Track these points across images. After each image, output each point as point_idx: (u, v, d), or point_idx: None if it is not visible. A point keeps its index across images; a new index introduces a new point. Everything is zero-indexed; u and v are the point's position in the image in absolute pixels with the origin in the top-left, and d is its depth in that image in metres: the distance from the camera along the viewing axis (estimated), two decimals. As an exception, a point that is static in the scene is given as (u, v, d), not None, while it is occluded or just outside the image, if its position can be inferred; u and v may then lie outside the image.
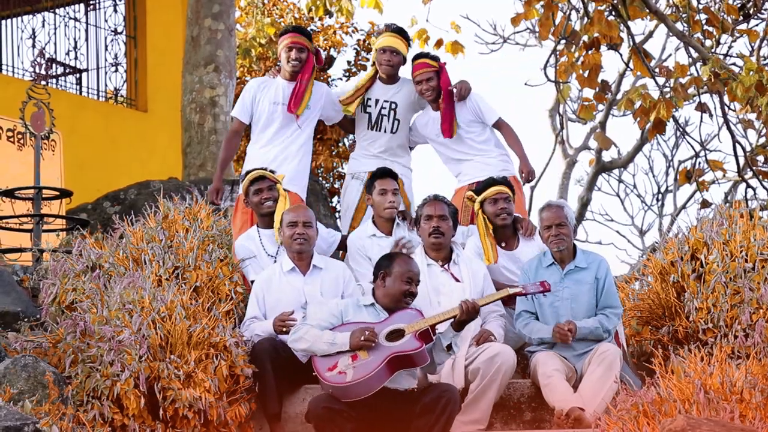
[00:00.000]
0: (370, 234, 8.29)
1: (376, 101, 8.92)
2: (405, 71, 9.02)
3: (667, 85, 11.76)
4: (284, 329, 7.38)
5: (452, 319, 7.11)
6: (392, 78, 8.97)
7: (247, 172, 8.30)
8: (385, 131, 8.94)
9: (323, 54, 19.73)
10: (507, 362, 7.30)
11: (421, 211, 7.81)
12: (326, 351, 6.90)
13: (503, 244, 8.21)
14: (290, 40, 8.72)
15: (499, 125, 8.88)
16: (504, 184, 8.20)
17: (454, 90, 8.79)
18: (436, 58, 8.86)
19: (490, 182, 8.23)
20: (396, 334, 6.94)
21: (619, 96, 19.93)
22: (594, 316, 7.55)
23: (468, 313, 7.10)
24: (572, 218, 7.77)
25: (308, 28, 19.64)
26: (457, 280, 7.67)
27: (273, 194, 8.19)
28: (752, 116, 12.01)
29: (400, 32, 8.92)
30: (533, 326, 7.61)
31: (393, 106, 8.92)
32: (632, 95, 11.32)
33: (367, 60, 19.11)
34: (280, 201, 8.16)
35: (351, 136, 18.86)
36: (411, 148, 9.17)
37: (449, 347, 7.06)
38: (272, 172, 8.30)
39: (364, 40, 19.81)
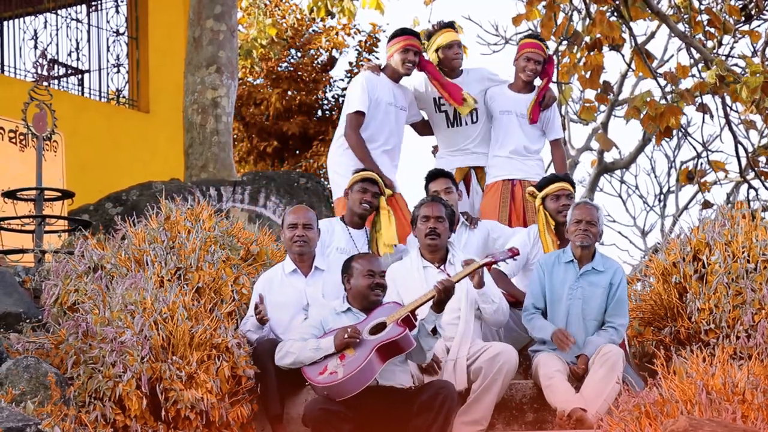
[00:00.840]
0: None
1: None
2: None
3: (671, 88, 11.74)
4: (260, 315, 7.35)
5: (431, 301, 7.10)
6: (456, 71, 8.96)
7: (363, 169, 8.29)
8: (466, 124, 8.94)
9: (325, 55, 19.76)
10: (509, 362, 7.30)
11: (417, 212, 7.79)
12: (313, 357, 6.94)
13: (560, 242, 8.18)
14: (406, 42, 8.70)
15: (556, 145, 8.96)
16: (567, 181, 8.21)
17: (546, 96, 8.83)
18: (547, 47, 8.98)
19: (552, 179, 8.25)
20: (379, 327, 6.98)
21: (621, 97, 19.94)
22: (603, 330, 7.54)
23: (445, 291, 7.08)
24: (602, 222, 7.78)
25: (309, 30, 19.66)
26: (453, 281, 7.65)
27: (374, 201, 8.21)
28: (755, 117, 12.01)
29: (453, 26, 8.94)
30: (536, 323, 7.60)
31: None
32: (638, 103, 11.32)
33: (369, 60, 19.10)
34: (383, 215, 8.16)
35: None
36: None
37: (434, 330, 7.04)
38: (385, 184, 8.30)
39: (366, 41, 19.83)
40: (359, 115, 8.64)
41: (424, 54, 8.85)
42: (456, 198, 8.31)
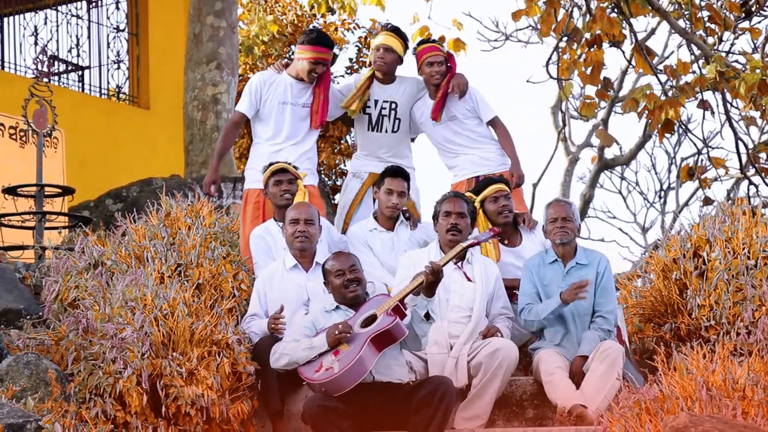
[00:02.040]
0: (371, 228, 8.31)
1: (375, 102, 8.89)
2: (402, 70, 9.00)
3: (671, 84, 11.74)
4: (276, 328, 7.39)
5: (420, 287, 7.11)
6: (389, 77, 8.93)
7: (270, 164, 8.30)
8: (386, 131, 8.92)
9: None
10: (509, 357, 7.31)
11: (439, 207, 7.79)
12: (308, 357, 6.96)
13: (506, 242, 8.23)
14: (317, 56, 8.64)
15: (494, 123, 8.85)
16: (502, 182, 8.23)
17: (453, 85, 8.77)
18: (442, 45, 8.93)
19: (488, 181, 8.27)
20: (370, 320, 7.02)
21: (621, 93, 19.94)
22: (593, 322, 7.54)
23: (433, 274, 7.08)
24: (578, 217, 7.80)
25: (311, 26, 19.66)
26: (469, 280, 7.65)
27: (292, 188, 8.21)
28: (755, 113, 12.01)
29: (396, 31, 8.89)
30: (537, 307, 7.60)
31: (393, 105, 8.90)
32: (637, 95, 11.32)
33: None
34: (299, 195, 8.17)
35: (354, 134, 18.89)
36: (413, 139, 9.16)
37: (427, 316, 7.05)
38: (296, 167, 8.31)
39: (366, 37, 19.82)
40: (239, 115, 8.77)
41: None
42: (405, 202, 8.32)
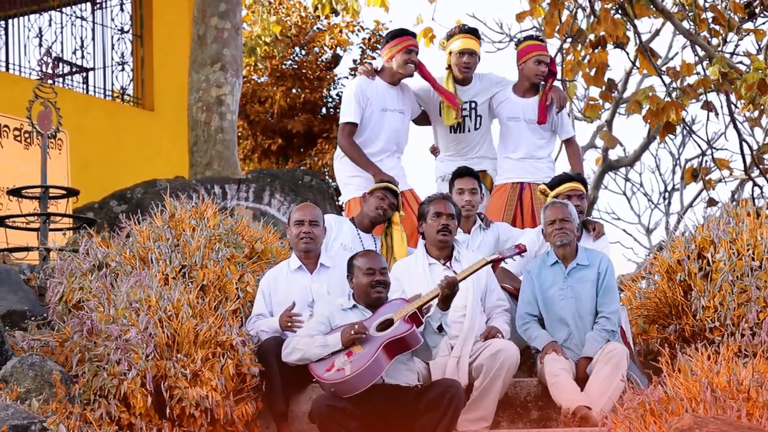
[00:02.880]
0: None
1: None
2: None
3: (674, 85, 11.73)
4: (290, 325, 7.39)
5: (436, 299, 7.11)
6: (468, 79, 8.92)
7: (386, 180, 8.25)
8: (469, 131, 8.91)
9: (329, 53, 19.77)
10: (510, 358, 7.31)
11: (428, 208, 7.78)
12: (320, 354, 6.94)
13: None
14: (408, 43, 8.65)
15: (570, 143, 8.92)
16: (579, 181, 8.20)
17: (553, 97, 8.77)
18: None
19: (565, 178, 8.23)
20: (386, 324, 6.99)
21: (625, 95, 19.94)
22: (596, 323, 7.54)
23: (449, 288, 7.08)
24: (576, 218, 7.78)
25: (314, 27, 19.67)
26: (459, 279, 7.66)
27: (389, 211, 8.19)
28: (755, 114, 12.00)
29: (474, 33, 8.86)
30: (531, 333, 7.64)
31: (473, 105, 8.89)
32: (640, 97, 11.31)
33: (373, 58, 19.10)
34: (396, 231, 8.16)
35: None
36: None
37: (440, 328, 7.05)
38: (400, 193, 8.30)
39: (370, 39, 19.82)
40: (351, 125, 8.65)
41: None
42: (479, 199, 8.33)
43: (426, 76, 8.77)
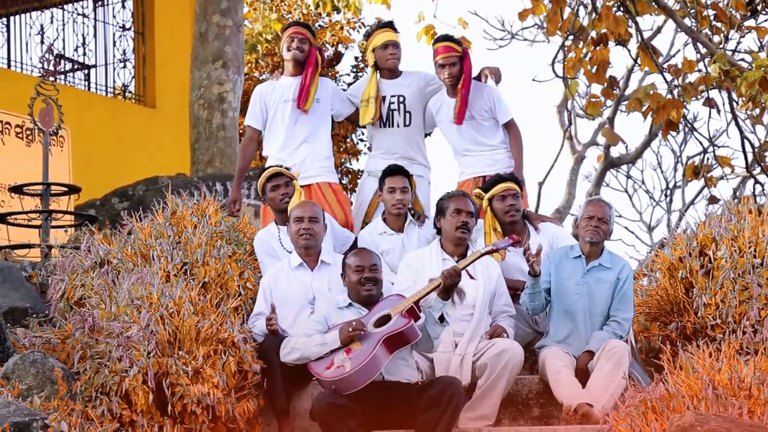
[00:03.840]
0: (380, 231, 8.29)
1: (384, 98, 8.87)
2: (410, 65, 8.99)
3: (676, 83, 11.74)
4: (272, 329, 7.39)
5: (436, 290, 7.10)
6: (395, 72, 8.93)
7: (262, 170, 8.32)
8: (398, 125, 8.88)
9: (330, 50, 19.75)
10: (514, 358, 7.30)
11: (447, 204, 7.76)
12: (319, 353, 6.94)
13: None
14: (292, 30, 8.79)
15: (509, 126, 8.81)
16: (512, 181, 8.18)
17: (485, 74, 8.73)
18: (459, 42, 8.80)
19: (498, 179, 8.21)
20: (383, 320, 6.99)
21: (627, 92, 19.93)
22: (607, 325, 7.54)
23: (451, 278, 7.08)
24: (614, 221, 7.77)
25: (316, 24, 19.65)
26: (472, 277, 7.64)
27: (289, 190, 8.21)
28: (755, 111, 12.00)
29: (391, 26, 8.89)
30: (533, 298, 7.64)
31: (401, 99, 8.87)
32: (640, 95, 11.32)
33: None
34: (295, 196, 8.18)
35: (359, 132, 18.87)
36: (428, 134, 9.10)
37: (441, 318, 7.05)
38: (287, 168, 8.32)
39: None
40: (250, 129, 8.85)
41: (320, 49, 8.88)
42: (410, 197, 8.29)
43: (306, 68, 8.75)
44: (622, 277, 7.63)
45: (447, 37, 8.83)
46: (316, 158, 8.72)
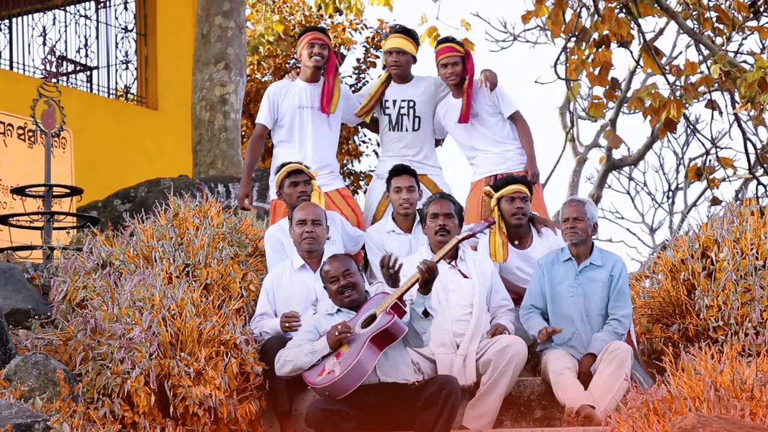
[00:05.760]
0: (389, 230, 8.29)
1: (394, 102, 8.87)
2: (418, 69, 8.98)
3: (677, 83, 11.74)
4: (289, 327, 7.39)
5: (416, 284, 7.10)
6: (405, 78, 8.92)
7: (283, 165, 8.30)
8: (407, 130, 8.88)
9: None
10: (518, 354, 7.31)
11: (426, 209, 7.80)
12: (311, 361, 6.92)
13: (516, 243, 8.19)
14: (311, 37, 8.75)
15: (515, 118, 8.80)
16: (523, 183, 8.17)
17: (481, 78, 8.74)
18: (461, 44, 8.82)
19: (509, 180, 8.19)
20: (370, 320, 6.99)
21: (629, 94, 19.94)
22: (607, 324, 7.54)
23: (428, 271, 7.07)
24: (592, 216, 7.75)
25: (318, 26, 19.67)
26: (465, 277, 7.66)
27: (308, 188, 8.20)
28: (754, 112, 12.00)
29: (406, 32, 8.87)
30: (531, 322, 7.64)
31: (411, 104, 8.87)
32: (642, 94, 11.32)
33: (377, 57, 19.11)
34: (314, 197, 8.17)
35: (361, 134, 18.87)
36: (439, 141, 9.12)
37: (426, 313, 7.04)
38: (307, 167, 8.32)
39: (374, 38, 19.82)
40: (261, 127, 8.80)
41: (336, 52, 8.91)
42: (417, 197, 8.29)
43: (327, 71, 8.78)
44: (615, 274, 7.63)
45: (446, 39, 8.88)
46: (325, 165, 8.73)
